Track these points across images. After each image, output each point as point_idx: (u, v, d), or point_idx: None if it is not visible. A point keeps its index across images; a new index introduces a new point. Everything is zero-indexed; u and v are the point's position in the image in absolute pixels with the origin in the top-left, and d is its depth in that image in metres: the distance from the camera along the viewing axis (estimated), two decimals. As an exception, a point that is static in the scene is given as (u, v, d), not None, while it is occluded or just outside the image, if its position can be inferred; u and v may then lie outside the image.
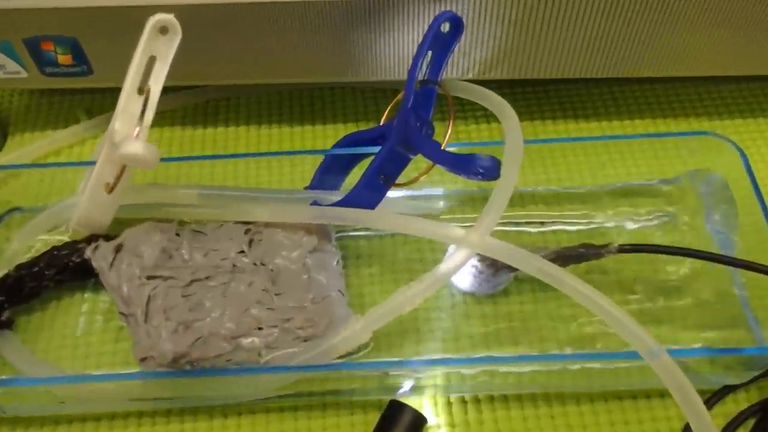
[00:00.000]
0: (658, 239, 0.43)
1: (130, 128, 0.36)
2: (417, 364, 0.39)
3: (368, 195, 0.38)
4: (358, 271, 0.44)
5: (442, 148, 0.35)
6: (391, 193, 0.39)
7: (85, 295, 0.43)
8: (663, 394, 0.39)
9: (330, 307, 0.39)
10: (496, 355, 0.40)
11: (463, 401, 0.40)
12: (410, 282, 0.35)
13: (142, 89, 0.37)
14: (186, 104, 0.53)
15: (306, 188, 0.42)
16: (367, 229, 0.45)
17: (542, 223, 0.45)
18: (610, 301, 0.33)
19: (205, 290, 0.40)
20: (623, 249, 0.40)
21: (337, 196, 0.40)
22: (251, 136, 0.52)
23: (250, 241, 0.41)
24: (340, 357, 0.37)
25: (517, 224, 0.45)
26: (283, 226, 0.41)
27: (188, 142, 0.52)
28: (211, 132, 0.52)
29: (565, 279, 0.33)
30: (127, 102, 0.37)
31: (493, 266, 0.42)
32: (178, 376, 0.37)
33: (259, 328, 0.39)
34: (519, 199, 0.46)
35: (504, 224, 0.45)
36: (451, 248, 0.36)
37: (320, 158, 0.42)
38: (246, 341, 0.39)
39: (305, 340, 0.39)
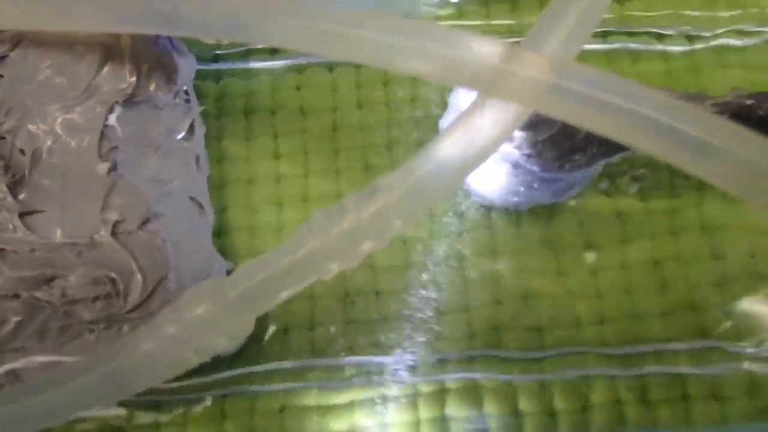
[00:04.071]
0: None
1: None
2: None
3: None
4: (246, 153, 0.25)
5: None
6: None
7: None
8: None
9: (161, 244, 0.21)
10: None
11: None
12: (361, 190, 0.17)
13: None
14: None
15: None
16: (268, 54, 0.25)
17: (678, 39, 0.25)
18: None
19: None
20: None
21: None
22: None
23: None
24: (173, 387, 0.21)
25: (618, 36, 0.26)
26: (58, 42, 0.22)
27: None
28: None
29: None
30: None
31: (561, 143, 0.22)
32: None
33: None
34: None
35: (601, 37, 0.26)
36: (465, 98, 0.19)
37: None
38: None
39: (91, 332, 0.21)
